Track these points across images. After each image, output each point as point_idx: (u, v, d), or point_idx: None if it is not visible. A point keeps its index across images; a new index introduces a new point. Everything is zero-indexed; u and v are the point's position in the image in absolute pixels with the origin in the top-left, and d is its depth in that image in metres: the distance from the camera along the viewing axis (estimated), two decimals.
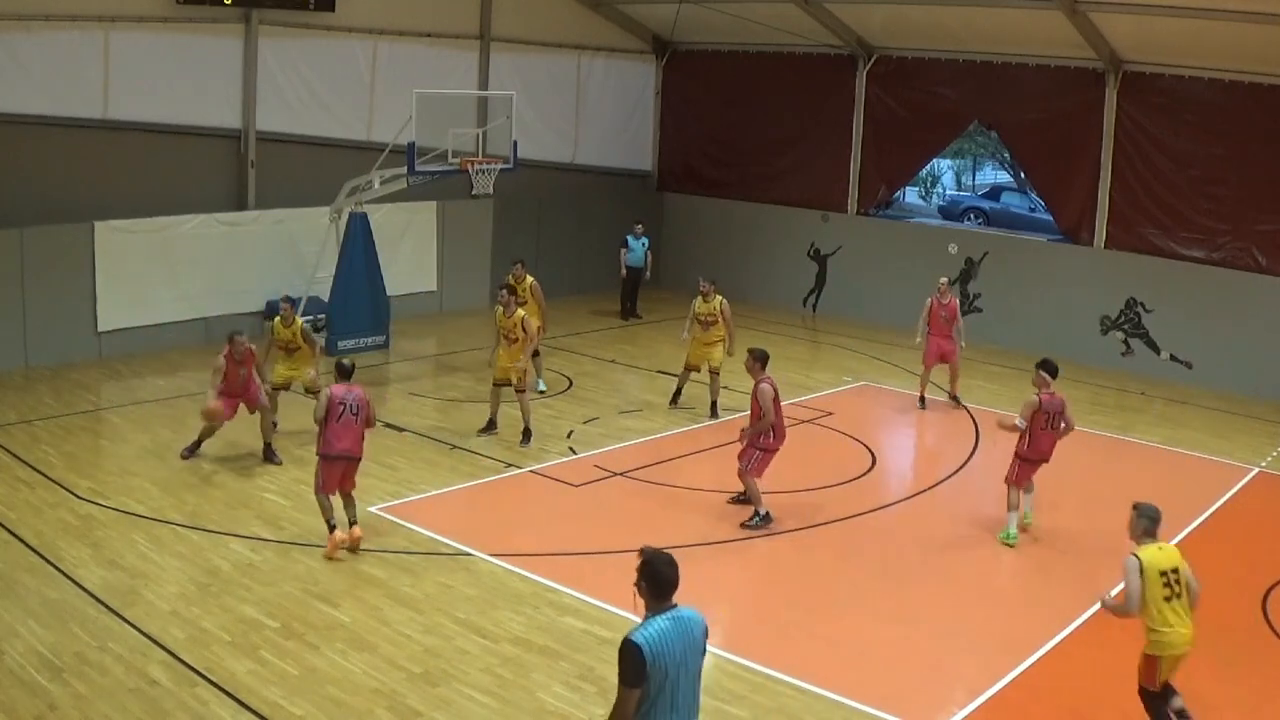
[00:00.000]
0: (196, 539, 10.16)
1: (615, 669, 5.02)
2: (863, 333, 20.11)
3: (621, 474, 12.42)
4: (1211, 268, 17.67)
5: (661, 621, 5.12)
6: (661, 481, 12.25)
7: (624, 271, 20.38)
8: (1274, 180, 16.94)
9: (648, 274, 20.52)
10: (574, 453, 13.10)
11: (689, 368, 14.76)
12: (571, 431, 13.85)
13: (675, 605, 5.22)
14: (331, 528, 9.93)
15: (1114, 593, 7.80)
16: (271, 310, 16.07)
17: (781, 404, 11.14)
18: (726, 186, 23.06)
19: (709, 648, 5.40)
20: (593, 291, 21.10)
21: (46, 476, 11.50)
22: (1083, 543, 11.21)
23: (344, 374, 10.11)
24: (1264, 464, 13.96)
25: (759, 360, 11.09)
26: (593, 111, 22.99)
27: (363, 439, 10.12)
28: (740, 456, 11.13)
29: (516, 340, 13.15)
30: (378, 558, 9.93)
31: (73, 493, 11.08)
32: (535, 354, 15.10)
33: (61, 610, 8.64)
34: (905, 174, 23.23)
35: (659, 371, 16.66)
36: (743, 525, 10.97)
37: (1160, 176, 18.17)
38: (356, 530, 10.04)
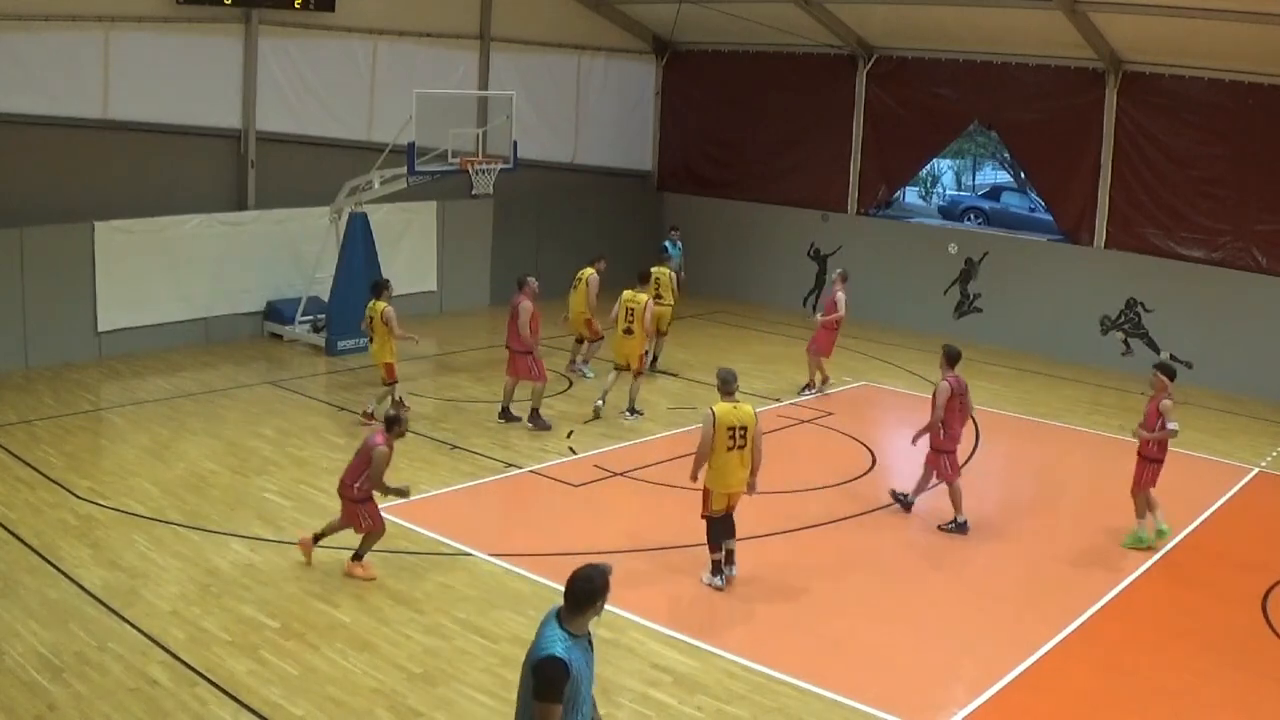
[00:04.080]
0: (196, 539, 10.15)
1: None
2: (863, 333, 20.08)
3: (621, 474, 12.42)
4: (1211, 268, 17.68)
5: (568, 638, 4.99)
6: (661, 481, 12.24)
7: None
8: (1274, 180, 16.94)
9: (682, 274, 20.22)
10: (574, 453, 13.10)
11: None
12: (571, 431, 13.85)
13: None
14: (315, 536, 9.75)
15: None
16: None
17: (964, 403, 11.36)
18: (726, 186, 23.05)
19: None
20: None
21: (46, 476, 11.49)
22: (1082, 542, 11.22)
23: (387, 425, 9.61)
24: (1264, 464, 13.96)
25: (948, 358, 11.38)
26: (593, 111, 22.99)
27: (353, 484, 9.51)
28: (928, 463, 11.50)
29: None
30: (378, 557, 9.91)
31: (73, 493, 11.07)
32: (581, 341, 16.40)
33: (61, 610, 8.64)
34: (905, 174, 23.21)
35: (660, 372, 16.66)
36: (940, 527, 11.30)
37: (1160, 176, 18.17)
38: (349, 566, 9.62)
